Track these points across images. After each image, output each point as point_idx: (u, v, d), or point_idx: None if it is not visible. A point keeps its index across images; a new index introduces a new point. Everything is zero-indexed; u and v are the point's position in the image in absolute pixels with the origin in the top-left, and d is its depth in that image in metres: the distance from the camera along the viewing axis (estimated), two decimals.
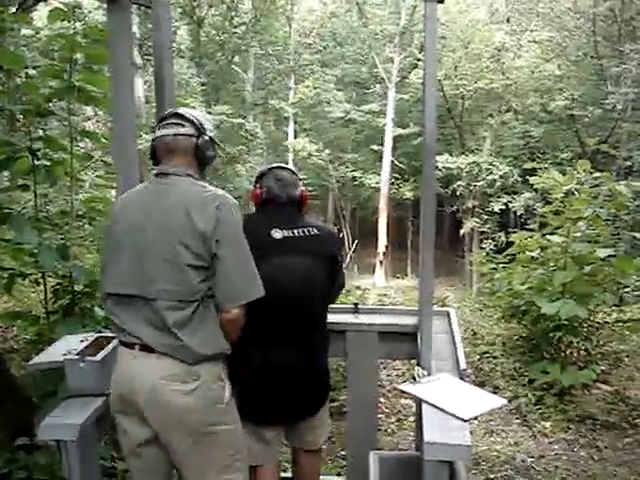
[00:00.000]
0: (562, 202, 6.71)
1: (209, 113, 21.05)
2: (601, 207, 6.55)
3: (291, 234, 2.98)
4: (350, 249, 28.17)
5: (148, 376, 2.39)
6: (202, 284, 2.38)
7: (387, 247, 28.36)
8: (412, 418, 5.74)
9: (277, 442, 3.20)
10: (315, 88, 28.18)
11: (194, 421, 2.41)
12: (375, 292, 11.44)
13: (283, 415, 3.08)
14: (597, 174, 6.91)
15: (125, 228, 2.50)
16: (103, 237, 2.91)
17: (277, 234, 2.95)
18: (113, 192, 4.18)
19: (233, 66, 28.05)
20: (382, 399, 6.11)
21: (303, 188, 3.17)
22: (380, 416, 5.33)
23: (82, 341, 2.88)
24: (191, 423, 2.41)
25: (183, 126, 2.55)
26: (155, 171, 2.58)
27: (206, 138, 2.57)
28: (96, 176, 5.15)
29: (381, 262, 27.75)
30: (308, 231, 3.03)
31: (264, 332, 2.88)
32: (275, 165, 3.21)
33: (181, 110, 2.61)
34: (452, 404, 2.57)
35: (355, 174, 29.65)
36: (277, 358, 2.92)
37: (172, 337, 2.37)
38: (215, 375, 2.47)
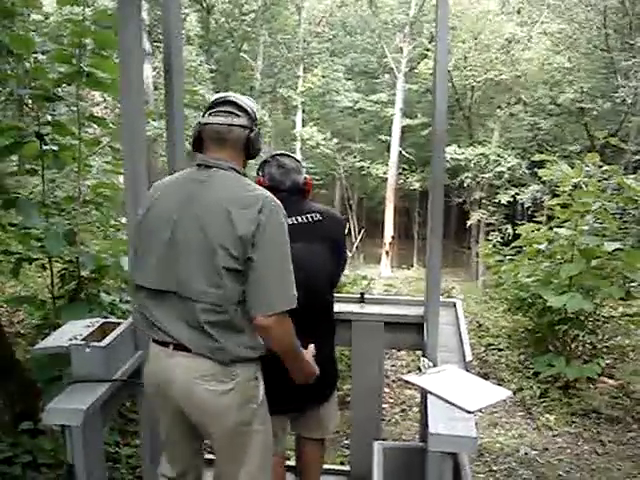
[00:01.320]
0: (570, 195, 6.67)
1: None
2: (609, 200, 6.50)
3: (296, 221, 2.98)
4: (356, 239, 28.17)
5: (184, 376, 2.35)
6: (240, 287, 2.28)
7: (393, 237, 28.36)
8: (416, 409, 5.74)
9: (285, 431, 3.22)
10: (324, 77, 28.17)
11: (229, 420, 2.38)
12: (381, 282, 11.45)
13: (292, 404, 3.10)
14: (606, 167, 6.87)
15: (159, 219, 2.39)
16: (129, 222, 2.87)
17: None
18: (121, 178, 4.17)
19: (242, 54, 28.04)
20: (386, 389, 6.11)
21: (307, 175, 3.17)
22: (384, 406, 5.33)
23: (88, 326, 2.88)
24: (227, 422, 2.38)
25: (238, 116, 2.42)
26: (197, 160, 2.44)
27: (257, 130, 2.47)
28: (104, 162, 5.14)
29: (387, 252, 27.76)
30: (312, 217, 3.03)
31: None
32: (277, 152, 3.21)
33: (235, 98, 2.48)
34: (457, 395, 2.57)
35: (363, 164, 29.66)
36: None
37: (208, 338, 2.31)
38: (251, 375, 2.41)
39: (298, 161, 3.19)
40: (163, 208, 2.40)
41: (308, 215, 3.03)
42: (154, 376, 2.47)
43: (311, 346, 2.68)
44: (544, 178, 7.68)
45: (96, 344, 2.66)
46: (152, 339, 2.47)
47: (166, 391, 2.41)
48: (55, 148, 4.24)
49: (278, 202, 2.37)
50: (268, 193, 2.37)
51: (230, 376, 2.34)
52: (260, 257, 2.25)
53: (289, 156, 3.20)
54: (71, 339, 2.72)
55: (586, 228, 6.41)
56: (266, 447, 2.52)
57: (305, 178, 3.14)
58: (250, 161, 2.58)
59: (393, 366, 6.72)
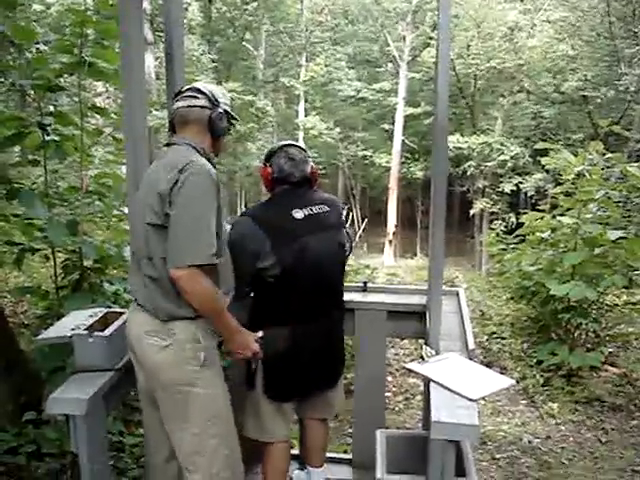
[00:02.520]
0: (573, 183, 6.67)
1: None
2: (613, 189, 6.49)
3: (310, 212, 3.00)
4: (359, 228, 28.15)
5: (136, 329, 2.58)
6: (161, 243, 2.44)
7: (396, 226, 28.33)
8: (419, 397, 5.75)
9: (292, 416, 3.29)
10: (326, 66, 28.08)
11: (165, 377, 2.51)
12: (384, 271, 11.44)
13: (305, 391, 3.19)
14: (609, 155, 6.86)
15: (138, 194, 2.67)
16: (131, 211, 3.00)
17: (298, 214, 2.97)
18: (123, 168, 4.16)
19: (244, 43, 27.95)
20: (389, 378, 6.12)
21: (312, 164, 3.17)
22: (387, 395, 5.35)
23: (91, 316, 2.89)
24: (163, 378, 2.51)
25: (197, 98, 2.62)
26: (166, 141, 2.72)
27: (219, 110, 2.64)
28: (106, 152, 5.14)
29: (390, 241, 27.75)
30: (321, 208, 3.05)
31: (292, 311, 2.93)
32: (285, 143, 3.21)
33: (197, 84, 2.69)
34: (460, 384, 2.57)
35: (365, 153, 29.60)
36: (304, 337, 2.99)
37: (150, 293, 2.52)
38: (189, 335, 2.51)
39: (305, 150, 3.20)
40: (141, 184, 2.68)
41: (317, 206, 3.05)
42: (127, 330, 2.68)
43: (259, 332, 2.82)
44: (547, 167, 7.66)
45: (99, 334, 2.67)
46: None
47: (131, 344, 2.64)
48: (57, 138, 4.24)
49: (206, 167, 2.49)
50: (197, 159, 2.50)
51: (168, 333, 2.50)
52: (174, 213, 2.40)
53: (296, 146, 3.20)
54: (74, 329, 2.73)
55: (589, 216, 6.41)
56: (211, 413, 2.59)
57: (312, 167, 3.15)
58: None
59: (396, 355, 6.73)
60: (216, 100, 2.65)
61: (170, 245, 2.40)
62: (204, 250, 2.39)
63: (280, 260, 2.87)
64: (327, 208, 3.08)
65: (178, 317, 2.49)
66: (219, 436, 2.60)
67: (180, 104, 2.65)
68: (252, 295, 3.02)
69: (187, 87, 2.70)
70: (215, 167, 2.63)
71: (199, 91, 2.65)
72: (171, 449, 2.71)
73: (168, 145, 2.67)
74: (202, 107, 2.62)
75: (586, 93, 22.75)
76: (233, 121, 2.80)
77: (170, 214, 2.40)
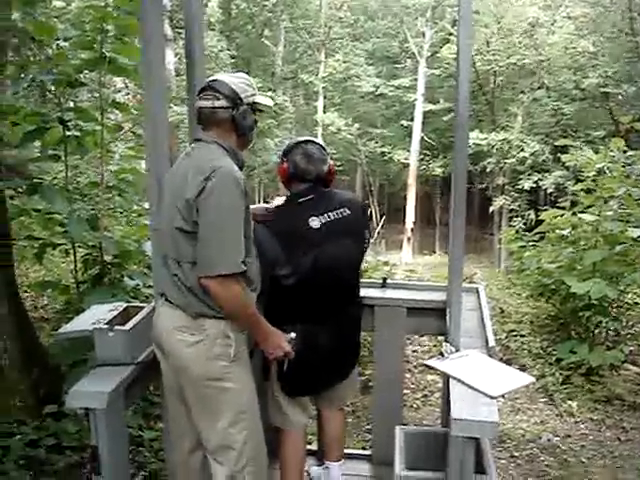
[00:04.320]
0: (594, 180, 6.62)
1: None
2: (634, 186, 6.43)
3: (328, 219, 2.98)
4: (377, 225, 28.10)
5: (165, 325, 2.59)
6: (192, 248, 2.45)
7: (415, 223, 28.26)
8: (437, 394, 5.74)
9: (311, 405, 3.32)
10: (345, 62, 28.00)
11: (195, 372, 2.52)
12: (402, 268, 11.39)
13: (319, 388, 3.24)
14: (630, 153, 6.80)
15: (164, 190, 2.67)
16: (151, 207, 2.99)
17: (315, 223, 2.95)
18: (143, 163, 4.17)
19: (263, 39, 27.97)
20: (407, 375, 6.10)
21: (331, 162, 3.15)
22: (405, 392, 5.34)
23: (111, 310, 2.90)
24: (193, 373, 2.52)
25: (218, 99, 2.56)
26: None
27: (243, 108, 2.57)
28: (126, 147, 5.16)
29: (409, 238, 27.68)
30: (341, 213, 3.02)
31: (305, 311, 2.93)
32: (303, 139, 3.18)
33: (219, 79, 2.61)
34: (480, 381, 2.56)
35: (384, 149, 29.48)
36: (317, 336, 2.99)
37: (179, 291, 2.53)
38: (219, 331, 2.52)
39: (323, 148, 3.16)
40: (166, 178, 2.69)
41: (337, 211, 3.03)
42: (154, 324, 2.70)
43: (292, 333, 2.79)
44: (568, 163, 7.62)
45: (120, 328, 2.68)
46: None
47: (158, 339, 2.65)
48: (78, 134, 4.26)
49: (232, 173, 2.45)
50: (226, 164, 2.47)
51: (199, 329, 2.52)
52: (202, 222, 2.40)
53: (314, 143, 3.16)
54: (95, 323, 2.74)
55: (610, 214, 6.36)
56: (240, 407, 2.61)
57: (330, 165, 3.13)
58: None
59: (414, 352, 6.71)
60: (238, 98, 2.57)
61: (200, 254, 2.42)
62: (233, 258, 2.40)
63: (296, 270, 2.87)
64: (348, 211, 3.05)
65: (208, 315, 2.51)
66: (248, 430, 2.62)
67: (202, 104, 2.60)
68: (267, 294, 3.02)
69: (208, 82, 2.64)
70: (243, 164, 2.63)
71: (219, 90, 2.57)
72: (195, 441, 2.73)
73: (196, 140, 2.65)
74: (225, 108, 2.57)
75: (607, 90, 22.57)
76: (263, 108, 2.73)
77: (198, 221, 2.40)
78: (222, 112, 2.56)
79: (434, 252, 27.25)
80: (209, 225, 2.39)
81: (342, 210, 3.03)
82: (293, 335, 2.77)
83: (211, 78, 2.67)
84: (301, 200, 3.03)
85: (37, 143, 4.51)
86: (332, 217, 2.99)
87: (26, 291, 6.58)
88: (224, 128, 2.59)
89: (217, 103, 2.56)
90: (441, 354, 2.95)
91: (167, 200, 2.58)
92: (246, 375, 2.65)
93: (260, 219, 2.90)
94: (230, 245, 2.41)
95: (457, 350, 2.94)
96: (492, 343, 2.96)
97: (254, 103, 2.64)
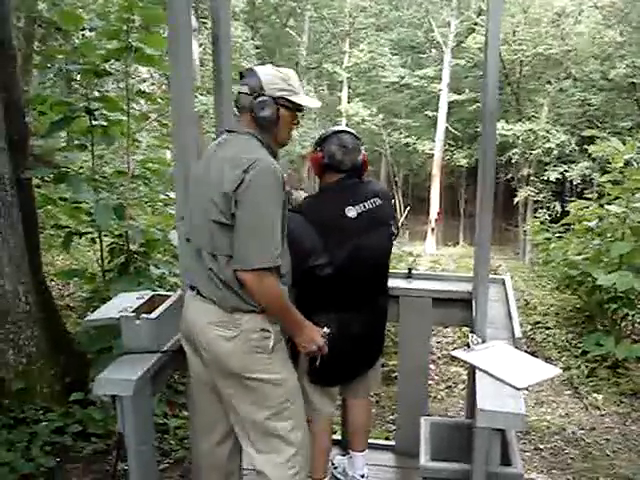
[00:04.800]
0: (621, 172, 6.55)
1: None
2: None
3: (364, 208, 2.99)
4: (401, 216, 28.05)
5: (199, 319, 2.56)
6: (228, 241, 2.43)
7: (439, 214, 28.16)
8: (461, 386, 5.72)
9: (337, 394, 3.34)
10: (370, 52, 27.92)
11: (233, 366, 2.50)
12: (427, 259, 11.37)
13: (347, 377, 3.25)
14: None
15: (193, 178, 2.67)
16: (178, 196, 3.01)
17: (351, 212, 2.95)
18: (168, 153, 4.19)
19: (287, 29, 27.95)
20: (432, 366, 6.09)
21: (365, 153, 3.15)
22: (429, 383, 5.32)
23: (138, 299, 2.92)
24: (231, 367, 2.51)
25: (244, 85, 2.56)
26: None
27: (263, 98, 2.50)
28: (152, 137, 5.18)
29: (433, 229, 27.61)
30: (374, 202, 3.03)
31: (339, 300, 2.94)
32: (338, 129, 3.16)
33: (253, 68, 2.60)
34: (506, 372, 2.54)
35: (408, 140, 29.39)
36: (350, 324, 3.00)
37: (214, 285, 2.50)
38: (256, 325, 2.50)
39: (358, 138, 3.14)
40: (196, 169, 2.66)
41: (371, 201, 3.03)
42: (183, 319, 2.67)
43: (325, 328, 2.74)
44: (594, 154, 7.54)
45: (146, 316, 2.69)
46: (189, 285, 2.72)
47: (191, 336, 2.61)
48: (104, 123, 4.28)
49: (271, 165, 2.43)
50: (264, 157, 2.45)
51: (235, 324, 2.49)
52: (240, 215, 2.38)
53: (350, 133, 3.14)
54: (121, 311, 2.75)
55: (638, 205, 6.28)
56: (283, 397, 2.60)
57: (363, 156, 3.12)
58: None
59: (438, 343, 6.70)
60: (260, 87, 2.51)
61: (237, 247, 2.40)
62: (270, 252, 2.39)
63: (333, 260, 2.87)
64: (380, 201, 3.05)
65: (244, 310, 2.49)
66: (293, 418, 2.62)
67: (237, 89, 2.60)
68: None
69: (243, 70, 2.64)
70: (277, 156, 2.60)
71: (246, 76, 2.57)
72: (224, 433, 2.74)
73: (228, 131, 2.62)
74: (245, 94, 2.54)
75: (634, 80, 22.34)
76: (299, 107, 2.62)
77: (236, 214, 2.38)
78: (243, 98, 2.55)
79: (458, 243, 27.16)
80: (247, 218, 2.37)
81: (375, 200, 3.03)
82: (327, 330, 2.73)
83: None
84: (336, 189, 3.04)
85: (63, 133, 4.55)
86: (367, 207, 2.99)
87: (53, 280, 6.64)
88: (249, 116, 2.55)
89: (241, 88, 2.56)
90: (467, 345, 2.93)
91: (199, 192, 2.54)
92: (286, 365, 2.65)
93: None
94: (267, 239, 2.39)
95: (483, 341, 2.92)
96: (518, 334, 2.94)
97: (281, 98, 2.54)
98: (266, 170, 2.39)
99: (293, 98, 2.57)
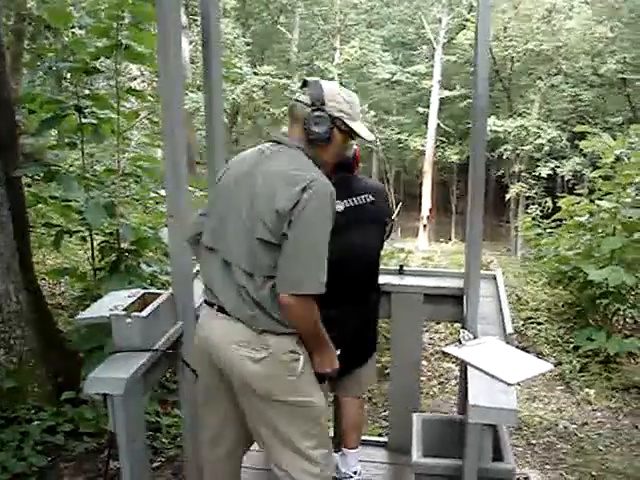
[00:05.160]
0: (612, 167, 6.58)
1: (254, 74, 21.01)
2: None
3: (351, 203, 2.99)
4: (393, 212, 28.01)
5: (222, 339, 2.42)
6: (271, 261, 2.30)
7: (431, 211, 28.20)
8: (454, 382, 5.73)
9: (327, 391, 3.30)
10: (361, 49, 27.89)
11: (261, 389, 2.39)
12: (418, 255, 11.37)
13: (341, 373, 3.18)
14: None
15: (225, 182, 2.51)
16: (168, 194, 2.93)
17: (339, 206, 2.91)
18: (159, 152, 4.18)
19: (278, 26, 27.90)
20: (424, 362, 6.09)
21: (356, 147, 3.14)
22: (422, 379, 5.33)
23: (129, 297, 2.90)
24: (260, 390, 2.39)
25: (304, 94, 2.45)
26: (271, 136, 2.55)
27: (320, 113, 2.39)
28: (143, 135, 5.17)
29: (425, 226, 27.64)
30: (365, 198, 3.03)
31: (327, 298, 2.93)
32: None
33: (319, 80, 2.49)
34: (498, 368, 2.55)
35: (400, 136, 29.40)
36: (341, 323, 2.96)
37: (244, 304, 2.36)
38: (285, 347, 2.39)
39: None
40: (230, 174, 2.51)
41: (361, 196, 3.02)
42: (200, 336, 2.55)
43: (337, 350, 2.68)
44: (585, 150, 7.56)
45: (137, 314, 2.68)
46: (204, 299, 2.58)
47: (208, 352, 2.49)
48: (94, 121, 4.26)
49: (330, 187, 2.33)
50: (320, 176, 2.33)
51: (263, 345, 2.36)
52: (293, 236, 2.25)
53: None
54: (112, 309, 2.74)
55: (629, 201, 6.31)
56: (312, 419, 2.51)
57: (355, 150, 3.12)
58: None
59: (431, 339, 6.70)
60: (321, 101, 2.40)
61: (284, 270, 2.29)
62: (318, 278, 2.29)
63: None
64: (371, 197, 3.06)
65: (275, 332, 2.38)
66: (318, 437, 2.54)
67: (295, 97, 2.49)
68: None
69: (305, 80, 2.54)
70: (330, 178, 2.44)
71: (308, 87, 2.46)
72: (234, 443, 2.68)
73: (275, 142, 2.49)
74: (303, 103, 2.42)
75: (625, 76, 22.41)
76: (353, 134, 2.51)
77: (288, 234, 2.26)
78: (300, 107, 2.43)
79: (450, 239, 27.18)
80: (300, 241, 2.27)
81: (366, 196, 3.03)
82: (338, 352, 2.69)
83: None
84: None
85: (54, 131, 4.53)
86: (356, 202, 2.99)
87: (44, 279, 6.62)
88: (301, 129, 2.43)
89: (300, 97, 2.45)
90: (459, 341, 2.94)
91: (236, 203, 2.40)
92: (314, 385, 2.54)
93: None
94: (318, 264, 2.29)
95: (475, 337, 2.93)
96: (510, 330, 2.95)
97: (339, 119, 2.44)
98: (324, 191, 2.30)
99: (351, 123, 2.47)
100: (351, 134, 2.51)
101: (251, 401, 2.46)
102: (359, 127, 2.50)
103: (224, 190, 2.50)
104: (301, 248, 2.27)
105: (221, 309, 2.44)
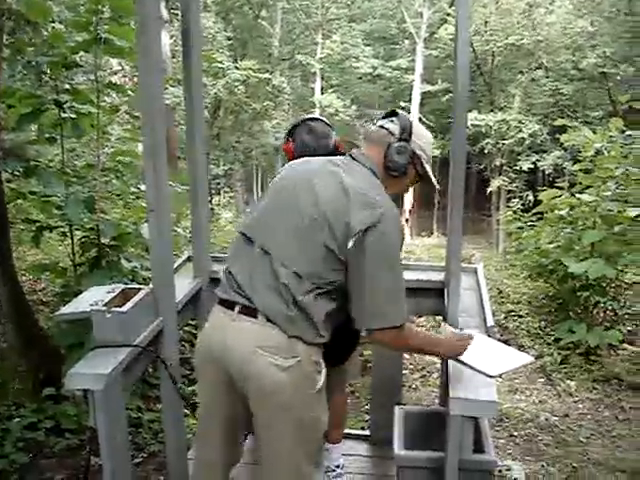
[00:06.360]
0: (592, 161, 6.62)
1: (236, 68, 20.95)
2: (632, 166, 6.42)
3: None
4: None
5: (245, 343, 2.25)
6: (325, 271, 2.24)
7: (413, 205, 28.25)
8: (436, 375, 5.76)
9: None
10: (343, 43, 27.92)
11: (283, 400, 2.24)
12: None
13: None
14: (629, 132, 6.78)
15: (284, 179, 2.47)
16: (148, 190, 2.84)
17: None
18: (140, 146, 4.15)
19: (260, 20, 27.79)
20: (406, 355, 6.11)
21: (337, 138, 3.14)
22: (404, 372, 5.35)
23: (109, 292, 2.88)
24: (280, 401, 2.24)
25: (392, 122, 2.45)
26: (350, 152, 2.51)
27: (404, 144, 2.41)
28: (123, 129, 5.14)
29: (407, 220, 27.68)
30: None
31: None
32: (307, 117, 3.17)
33: (407, 115, 2.49)
34: (479, 360, 2.55)
35: None
36: None
37: (282, 302, 2.23)
38: (312, 356, 2.28)
39: (328, 124, 3.15)
40: (289, 174, 2.48)
41: None
42: (209, 341, 2.40)
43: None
44: (566, 144, 7.61)
45: (117, 309, 2.66)
46: (218, 300, 2.42)
47: (221, 358, 2.32)
48: (74, 116, 4.23)
49: (398, 215, 2.33)
50: (393, 205, 2.30)
51: (293, 352, 2.22)
52: (371, 267, 2.21)
53: (319, 120, 3.16)
54: (92, 305, 2.73)
55: (609, 194, 6.35)
56: (318, 441, 2.46)
57: (335, 141, 3.12)
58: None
59: None
60: (408, 134, 2.42)
61: (368, 304, 2.24)
62: (403, 310, 2.29)
63: None
64: None
65: (306, 341, 2.25)
66: (317, 457, 2.50)
67: (379, 122, 2.49)
68: None
69: (393, 111, 2.52)
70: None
71: (397, 117, 2.46)
72: (228, 450, 2.56)
73: (352, 158, 2.45)
74: (389, 132, 2.43)
75: (605, 70, 22.51)
76: (422, 174, 2.51)
77: (360, 261, 2.20)
78: (385, 134, 2.42)
79: (432, 233, 27.30)
80: (378, 271, 2.21)
81: None
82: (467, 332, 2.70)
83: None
84: None
85: (34, 126, 4.49)
86: None
87: (24, 275, 6.58)
88: (378, 152, 2.42)
89: (388, 124, 2.45)
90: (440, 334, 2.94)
91: (296, 202, 2.32)
92: (324, 403, 2.41)
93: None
94: (400, 296, 2.28)
95: (456, 329, 2.93)
96: (491, 322, 2.96)
97: (418, 158, 2.45)
98: (396, 219, 2.29)
99: (426, 165, 2.49)
100: (421, 175, 2.51)
101: (265, 413, 2.31)
102: (430, 171, 2.51)
103: (281, 186, 2.44)
104: (383, 281, 2.23)
105: (245, 309, 2.29)
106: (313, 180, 2.35)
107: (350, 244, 2.19)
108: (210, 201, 14.41)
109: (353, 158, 2.44)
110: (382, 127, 2.45)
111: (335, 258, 2.22)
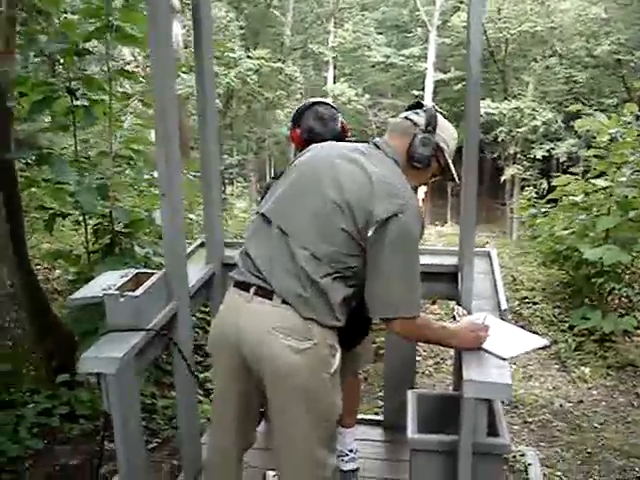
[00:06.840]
0: (607, 147, 6.57)
1: (248, 57, 20.93)
2: None
3: None
4: None
5: (260, 324, 2.25)
6: (346, 256, 2.24)
7: (426, 194, 28.14)
8: (450, 361, 5.74)
9: None
10: (355, 32, 27.85)
11: (297, 383, 2.22)
12: None
13: None
14: None
15: (306, 161, 2.47)
16: (160, 177, 2.84)
17: None
18: (153, 134, 4.15)
19: (272, 9, 27.75)
20: None
21: (343, 120, 3.12)
22: (417, 358, 5.34)
23: (122, 277, 2.89)
24: (294, 383, 2.23)
25: (417, 114, 2.45)
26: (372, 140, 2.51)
27: (428, 136, 2.41)
28: (135, 117, 5.14)
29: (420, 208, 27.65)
30: None
31: None
32: (312, 101, 3.14)
33: (434, 109, 2.51)
34: (492, 343, 2.54)
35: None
36: None
37: (298, 284, 2.22)
38: (327, 339, 2.27)
39: (334, 107, 3.13)
40: (315, 157, 2.46)
41: None
42: (222, 324, 2.41)
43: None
44: (580, 130, 7.55)
45: (130, 293, 2.67)
46: (233, 282, 2.41)
47: (234, 341, 2.31)
48: (86, 103, 4.23)
49: (419, 210, 2.34)
50: (415, 198, 2.33)
51: (308, 335, 2.22)
52: (391, 257, 2.21)
53: (324, 103, 3.14)
54: (105, 289, 2.73)
55: (623, 179, 6.30)
56: (332, 424, 2.42)
57: (342, 123, 3.11)
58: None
59: None
60: (432, 126, 2.43)
61: (383, 293, 2.25)
62: (418, 301, 2.32)
63: None
64: None
65: (321, 323, 2.24)
66: (331, 442, 2.45)
67: (402, 114, 2.50)
68: None
69: (419, 103, 2.53)
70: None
71: (423, 110, 2.47)
72: (242, 435, 2.55)
73: (375, 146, 2.44)
74: (414, 123, 2.43)
75: (620, 57, 22.37)
76: (444, 165, 2.51)
77: (379, 252, 2.21)
78: (409, 125, 2.43)
79: (446, 222, 27.20)
80: (397, 263, 2.22)
81: None
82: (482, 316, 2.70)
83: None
84: None
85: (47, 117, 4.50)
86: None
87: (38, 264, 6.61)
88: (401, 143, 2.41)
89: (413, 116, 2.45)
90: (453, 317, 2.93)
91: (317, 186, 2.31)
92: (338, 387, 2.39)
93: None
94: (417, 288, 2.29)
95: (469, 313, 2.92)
96: (504, 306, 2.94)
97: (441, 151, 2.47)
98: (417, 212, 2.30)
99: (449, 159, 2.50)
100: (443, 169, 2.52)
101: (279, 397, 2.30)
102: (452, 165, 2.52)
103: (302, 170, 2.43)
104: (402, 273, 2.25)
105: (261, 291, 2.27)
106: (336, 166, 2.34)
107: (371, 232, 2.19)
108: (224, 191, 14.42)
109: (377, 147, 2.43)
110: (407, 118, 2.45)
111: (355, 244, 2.23)
